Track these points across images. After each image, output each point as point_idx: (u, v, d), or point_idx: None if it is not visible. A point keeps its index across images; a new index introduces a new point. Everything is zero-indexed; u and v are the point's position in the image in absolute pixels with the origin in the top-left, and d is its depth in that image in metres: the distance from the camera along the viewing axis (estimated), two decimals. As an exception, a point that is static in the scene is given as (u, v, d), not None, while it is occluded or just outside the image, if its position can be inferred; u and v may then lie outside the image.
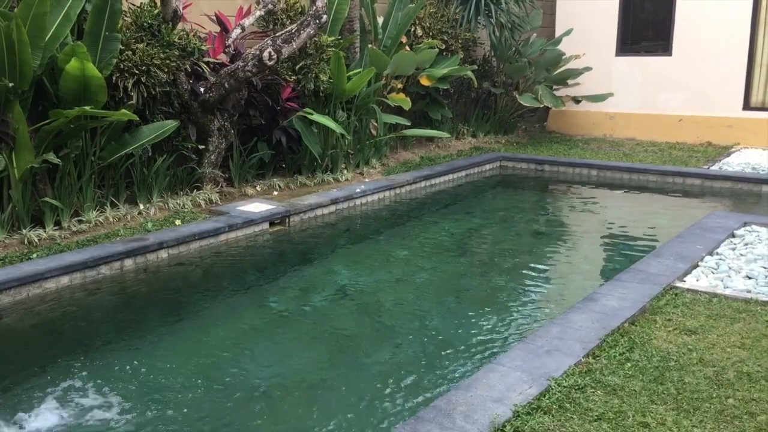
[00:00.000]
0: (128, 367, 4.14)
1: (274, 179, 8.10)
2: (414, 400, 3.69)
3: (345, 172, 8.63)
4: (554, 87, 11.14)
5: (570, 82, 11.10)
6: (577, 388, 3.21)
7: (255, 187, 7.85)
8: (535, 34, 11.70)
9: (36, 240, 5.63)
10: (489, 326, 4.78)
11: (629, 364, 3.46)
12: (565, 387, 3.22)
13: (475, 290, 5.65)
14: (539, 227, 7.71)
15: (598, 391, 3.19)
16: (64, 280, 5.21)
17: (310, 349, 4.52)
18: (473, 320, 4.91)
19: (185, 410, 3.67)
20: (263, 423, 3.59)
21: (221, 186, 7.57)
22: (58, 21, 5.69)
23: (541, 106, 11.01)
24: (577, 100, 11.16)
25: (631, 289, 4.49)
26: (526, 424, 2.92)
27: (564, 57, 11.00)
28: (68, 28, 5.77)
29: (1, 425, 3.42)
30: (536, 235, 7.31)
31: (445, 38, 10.21)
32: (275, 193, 7.85)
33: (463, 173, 9.55)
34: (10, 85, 5.29)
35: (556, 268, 6.21)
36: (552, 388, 3.20)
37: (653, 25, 11.75)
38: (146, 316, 5.13)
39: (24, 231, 5.66)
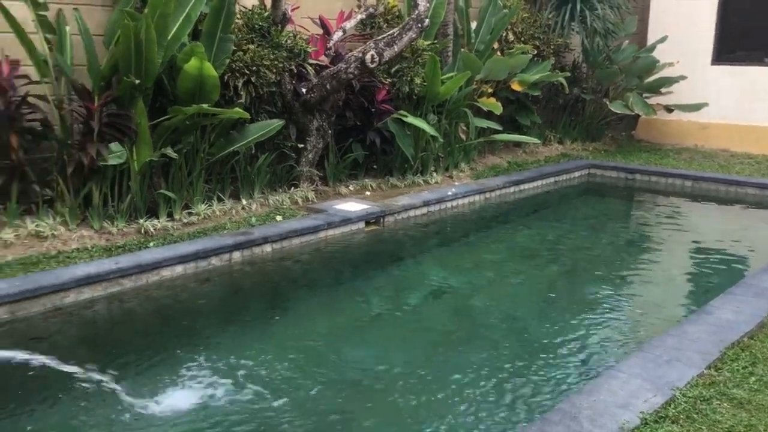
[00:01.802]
0: (235, 354, 4.31)
1: (367, 179, 8.25)
2: (513, 401, 3.74)
3: (434, 174, 8.71)
4: (645, 95, 10.94)
5: (663, 90, 10.88)
6: (702, 399, 3.20)
7: (348, 186, 8.01)
8: (627, 41, 11.52)
9: (152, 229, 5.92)
10: (585, 332, 4.79)
11: (753, 378, 3.42)
12: (690, 398, 3.21)
13: (570, 296, 5.65)
14: (632, 236, 7.62)
15: (725, 404, 3.17)
16: (179, 269, 5.47)
17: (406, 346, 4.63)
18: (569, 325, 4.92)
19: (288, 399, 3.80)
20: (366, 415, 3.68)
21: (317, 184, 7.76)
22: (179, 22, 5.97)
23: (632, 113, 10.84)
24: (669, 109, 10.93)
25: (746, 303, 4.42)
26: (655, 432, 2.94)
27: (656, 65, 10.79)
28: (188, 29, 6.05)
29: (125, 403, 3.63)
30: (629, 244, 7.24)
31: (537, 44, 10.18)
32: (367, 193, 7.99)
33: (552, 179, 9.50)
34: (137, 82, 5.59)
35: (652, 278, 6.13)
36: (677, 398, 3.20)
37: (752, 34, 11.39)
38: (251, 306, 5.33)
39: (141, 221, 5.96)
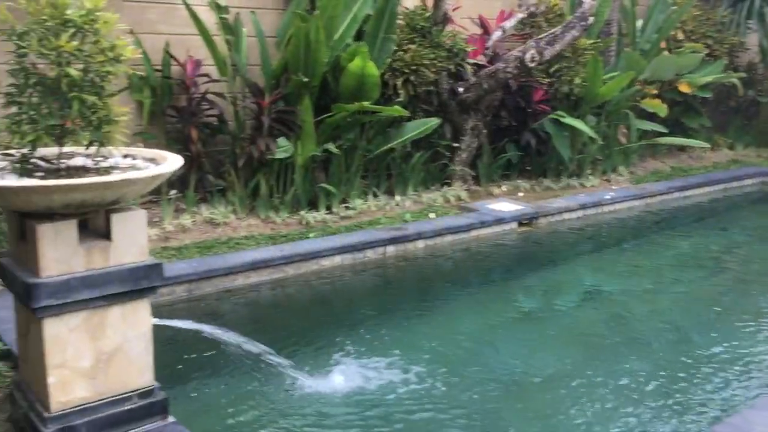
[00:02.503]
0: (387, 343, 4.44)
1: (519, 180, 8.16)
2: (673, 413, 3.56)
3: (591, 177, 8.46)
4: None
5: None
6: None
7: (500, 187, 7.97)
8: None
9: (312, 221, 6.22)
10: (757, 346, 4.46)
11: None
12: None
13: (739, 308, 5.27)
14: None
15: None
16: (337, 259, 5.70)
17: (557, 348, 4.52)
18: (739, 338, 4.61)
19: (437, 392, 3.84)
20: (515, 414, 3.66)
21: (469, 184, 7.78)
22: (346, 23, 6.23)
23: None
24: None
25: None
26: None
27: None
28: (354, 30, 6.30)
29: (291, 378, 3.85)
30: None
31: (709, 43, 9.58)
32: (520, 194, 7.90)
33: (721, 186, 8.91)
34: (305, 80, 5.90)
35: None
36: None
37: None
38: (402, 299, 5.45)
39: (302, 212, 6.28)
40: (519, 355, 4.40)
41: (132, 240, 2.76)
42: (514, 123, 8.07)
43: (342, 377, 3.94)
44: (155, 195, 6.14)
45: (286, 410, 3.60)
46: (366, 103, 6.02)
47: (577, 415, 3.64)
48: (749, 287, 5.77)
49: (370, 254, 5.91)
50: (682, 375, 4.03)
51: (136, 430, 2.84)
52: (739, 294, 5.63)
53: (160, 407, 2.92)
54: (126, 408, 2.83)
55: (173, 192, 6.14)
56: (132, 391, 2.85)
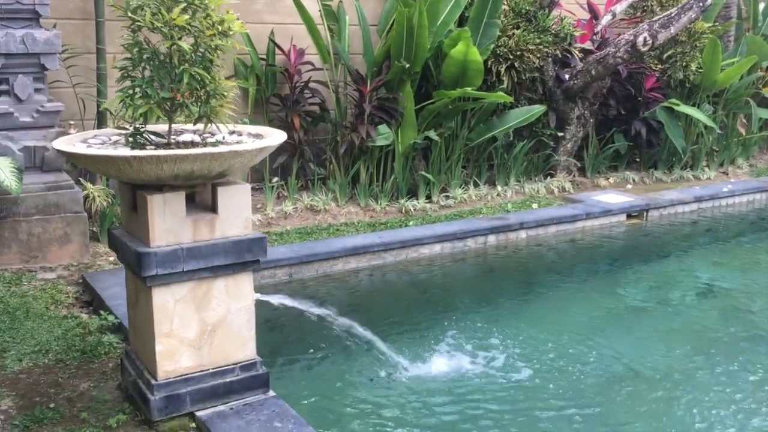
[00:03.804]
0: (486, 331, 4.33)
1: (628, 172, 7.80)
2: None
3: (706, 169, 7.99)
4: None
5: None
6: None
7: (608, 179, 7.65)
8: None
9: (411, 209, 6.16)
10: None
11: None
12: None
13: None
14: None
15: None
16: (437, 247, 5.61)
17: (670, 343, 4.29)
18: None
19: (540, 382, 3.72)
20: (621, 406, 3.51)
21: (573, 175, 7.51)
22: (449, 8, 6.12)
23: None
24: None
25: None
26: None
27: None
28: (457, 15, 6.19)
29: (392, 360, 3.80)
30: None
31: (841, 25, 8.83)
32: (628, 186, 7.56)
33: None
34: (407, 66, 5.84)
35: None
36: None
37: None
38: (503, 288, 5.31)
39: (401, 200, 6.23)
40: (629, 349, 4.18)
41: (237, 213, 2.77)
42: (623, 112, 7.71)
43: (442, 364, 3.86)
44: (259, 182, 6.27)
45: (386, 395, 3.55)
46: (468, 89, 5.90)
47: (695, 414, 3.43)
48: None
49: (470, 243, 5.79)
50: None
51: (238, 401, 2.86)
52: None
53: (262, 381, 2.93)
54: (228, 380, 2.85)
55: (276, 179, 6.24)
56: (234, 364, 2.87)
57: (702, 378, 3.79)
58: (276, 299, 3.35)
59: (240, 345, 2.88)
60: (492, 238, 5.88)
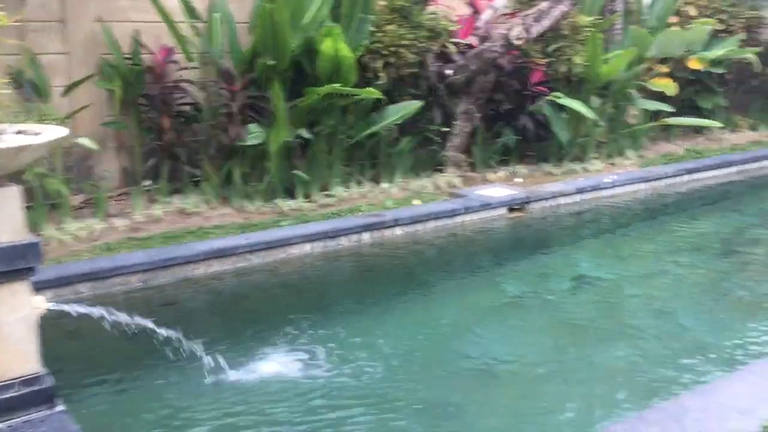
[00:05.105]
0: (355, 331, 4.24)
1: (518, 166, 7.84)
2: (645, 402, 3.27)
3: (595, 161, 8.09)
4: None
5: None
6: None
7: (497, 173, 7.67)
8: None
9: (287, 209, 6.04)
10: (749, 334, 4.15)
11: None
12: (836, 409, 2.59)
13: (739, 294, 4.94)
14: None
15: None
16: (307, 247, 5.51)
17: (541, 336, 4.29)
18: (731, 325, 4.31)
19: (403, 379, 3.67)
20: (480, 402, 3.48)
21: (463, 170, 7.50)
22: (318, 3, 6.02)
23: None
24: None
25: None
26: (778, 445, 2.39)
27: None
28: (327, 10, 6.08)
29: (227, 369, 3.66)
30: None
31: (723, 18, 9.08)
32: (518, 179, 7.59)
33: (736, 169, 8.43)
34: (270, 63, 5.72)
35: None
36: (818, 409, 2.59)
37: None
38: (378, 286, 5.23)
39: (277, 201, 6.11)
40: (499, 343, 4.17)
41: (6, 218, 2.61)
42: (511, 106, 7.75)
43: (280, 369, 3.75)
44: (130, 186, 6.07)
45: (199, 403, 3.42)
46: (335, 86, 5.81)
47: (544, 403, 3.43)
48: (756, 273, 5.40)
49: (343, 242, 5.70)
50: (664, 364, 3.77)
51: (18, 418, 2.70)
52: (743, 279, 5.27)
53: (46, 396, 2.77)
54: (7, 396, 2.68)
55: (148, 183, 6.04)
56: (14, 379, 2.70)
57: (568, 370, 3.79)
58: (77, 309, 3.18)
59: (20, 358, 2.71)
60: (366, 236, 5.81)
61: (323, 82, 6.07)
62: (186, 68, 6.15)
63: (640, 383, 3.56)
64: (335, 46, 5.82)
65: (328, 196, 6.39)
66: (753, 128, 9.97)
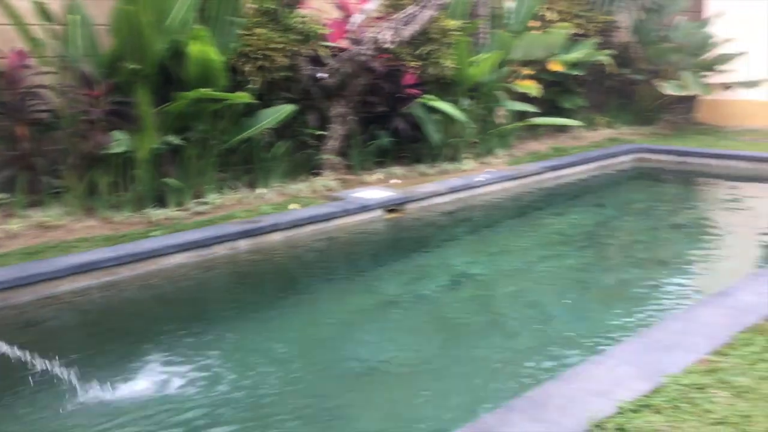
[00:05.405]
0: (234, 341, 4.17)
1: (395, 167, 7.97)
2: (518, 392, 3.40)
3: (468, 161, 8.35)
4: (702, 73, 10.22)
5: (720, 68, 10.14)
6: (697, 387, 2.79)
7: (374, 175, 7.75)
8: (683, 17, 10.80)
9: (157, 219, 5.83)
10: (609, 320, 4.40)
11: (765, 365, 2.96)
12: (683, 385, 2.80)
13: (601, 283, 5.25)
14: (678, 220, 7.05)
15: (723, 393, 2.74)
16: (179, 257, 5.33)
17: (420, 334, 4.36)
18: (593, 313, 4.56)
19: (283, 385, 3.63)
20: (358, 403, 3.49)
21: (341, 173, 7.54)
22: (185, 6, 5.84)
23: (688, 94, 10.14)
24: (727, 87, 10.17)
25: (775, 284, 3.92)
26: (630, 422, 2.56)
27: (711, 41, 10.07)
28: (192, 12, 5.92)
29: (98, 388, 3.49)
30: (674, 228, 6.70)
31: (580, 22, 9.65)
32: (395, 181, 7.70)
33: (595, 165, 8.96)
34: (131, 67, 5.50)
35: (692, 263, 5.64)
36: (667, 386, 2.80)
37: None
38: (257, 294, 5.16)
39: (147, 210, 5.88)
40: (380, 344, 4.20)
41: None
42: (385, 108, 7.86)
43: (153, 384, 3.60)
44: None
45: (68, 427, 3.24)
46: (204, 90, 5.68)
47: (422, 401, 3.47)
48: (615, 262, 5.75)
49: (219, 250, 5.56)
50: (534, 355, 3.91)
51: None
52: (603, 269, 5.61)
53: None
54: None
55: (3, 196, 5.65)
56: None
57: (446, 365, 3.85)
58: None
59: None
60: (243, 243, 5.70)
61: (192, 86, 5.91)
62: (42, 73, 5.79)
63: (513, 374, 3.69)
64: (203, 49, 5.69)
65: (201, 203, 6.22)
66: (610, 126, 10.65)
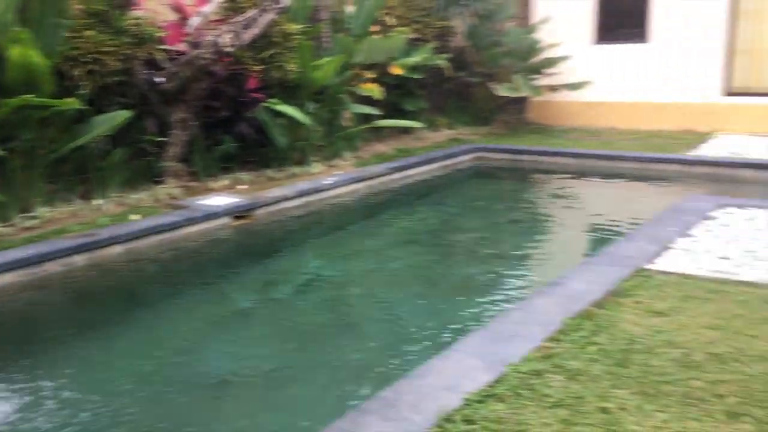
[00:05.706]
0: (74, 364, 3.92)
1: (241, 173, 7.83)
2: (372, 391, 3.46)
3: (316, 164, 8.38)
4: (532, 76, 10.93)
5: (547, 71, 10.89)
6: (534, 373, 2.97)
7: (220, 181, 7.57)
8: (514, 23, 11.48)
9: (-23, 237, 5.35)
10: (456, 314, 4.58)
11: (593, 348, 3.22)
12: (522, 373, 2.98)
13: (447, 279, 5.44)
14: (515, 216, 7.49)
15: (558, 377, 2.95)
16: (6, 277, 4.92)
17: (273, 342, 4.30)
18: (442, 309, 4.71)
19: (133, 407, 3.45)
20: (206, 418, 3.39)
21: (184, 180, 7.29)
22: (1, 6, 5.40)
23: (519, 96, 10.80)
24: (554, 89, 10.95)
25: (600, 272, 4.26)
26: (477, 413, 2.68)
27: (538, 46, 10.79)
28: (11, 12, 5.47)
29: None
30: (512, 224, 7.11)
31: (418, 27, 9.97)
32: (242, 186, 7.57)
33: (438, 165, 9.30)
34: (-55, 72, 5.02)
35: (530, 255, 6.02)
36: (508, 375, 2.96)
37: (630, 13, 11.49)
38: (96, 312, 4.88)
39: (-34, 227, 5.38)
40: (232, 355, 4.08)
41: None
42: (228, 113, 7.70)
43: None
44: None
45: None
46: (27, 96, 5.27)
47: (276, 409, 3.42)
48: (459, 258, 5.98)
49: (52, 267, 5.19)
50: (386, 354, 3.98)
51: None
52: (449, 266, 5.81)
53: None
54: None
55: None
56: None
57: (300, 372, 3.81)
58: None
59: None
60: (78, 259, 5.36)
61: (16, 92, 5.46)
62: None
63: (367, 376, 3.73)
64: (25, 53, 5.28)
65: (30, 218, 5.78)
66: (450, 127, 11.10)
